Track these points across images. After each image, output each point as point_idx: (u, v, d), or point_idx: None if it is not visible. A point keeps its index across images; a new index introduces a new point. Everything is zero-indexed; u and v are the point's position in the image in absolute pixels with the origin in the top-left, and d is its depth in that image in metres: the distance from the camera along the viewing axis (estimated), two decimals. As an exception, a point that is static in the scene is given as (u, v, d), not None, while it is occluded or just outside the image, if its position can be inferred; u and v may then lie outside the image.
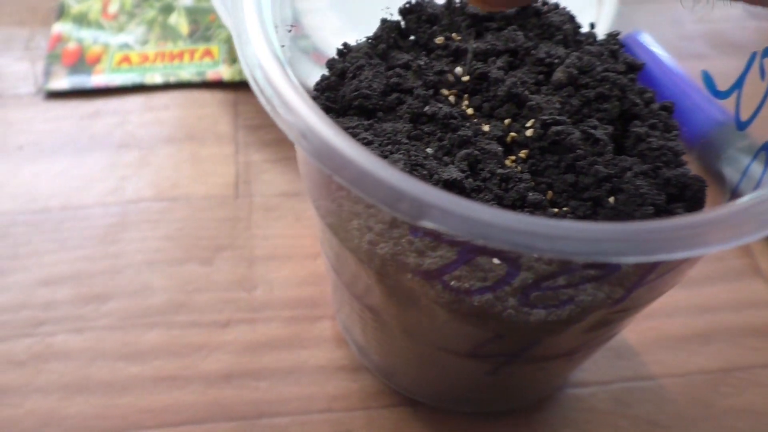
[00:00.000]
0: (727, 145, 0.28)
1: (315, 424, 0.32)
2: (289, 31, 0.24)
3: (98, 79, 0.44)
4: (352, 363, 0.34)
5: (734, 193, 0.25)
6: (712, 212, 0.16)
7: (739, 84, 0.25)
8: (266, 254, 0.38)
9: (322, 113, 0.18)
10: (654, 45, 0.36)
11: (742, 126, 0.25)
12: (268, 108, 0.18)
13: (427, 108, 0.26)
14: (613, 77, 0.28)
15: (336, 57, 0.28)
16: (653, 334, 0.36)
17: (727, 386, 0.35)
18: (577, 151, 0.25)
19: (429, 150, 0.25)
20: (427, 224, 0.16)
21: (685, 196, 0.25)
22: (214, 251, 0.38)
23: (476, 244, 0.16)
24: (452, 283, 0.20)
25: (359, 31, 0.30)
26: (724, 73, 0.30)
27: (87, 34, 0.46)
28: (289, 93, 0.18)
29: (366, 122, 0.26)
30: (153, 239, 0.38)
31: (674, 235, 0.16)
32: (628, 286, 0.20)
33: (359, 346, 0.33)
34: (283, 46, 0.22)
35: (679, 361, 0.36)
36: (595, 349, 0.28)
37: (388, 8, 0.29)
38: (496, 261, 0.19)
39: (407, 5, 0.29)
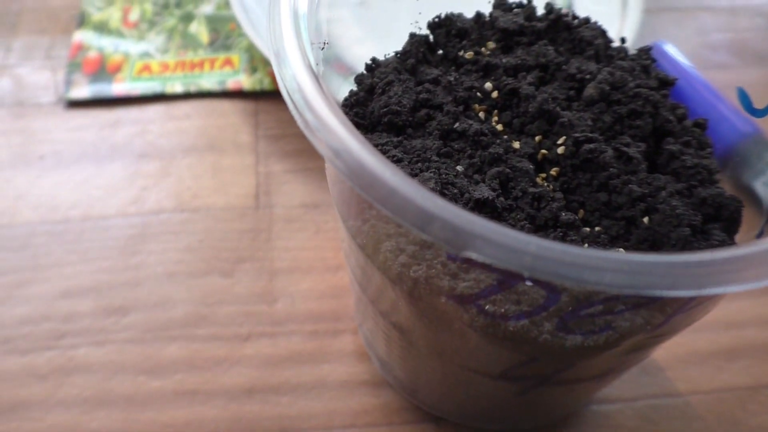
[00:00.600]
0: (757, 158, 0.28)
1: (338, 441, 0.32)
2: (322, 48, 0.24)
3: (119, 87, 0.44)
4: (374, 378, 0.34)
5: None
6: (761, 244, 0.16)
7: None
8: (287, 266, 0.38)
9: (363, 138, 0.17)
10: (678, 55, 0.35)
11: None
12: (310, 138, 0.18)
13: (457, 125, 0.26)
14: (646, 93, 0.27)
15: (364, 72, 0.28)
16: (679, 350, 0.36)
17: (755, 404, 0.34)
18: (610, 169, 0.25)
19: (459, 168, 0.25)
20: (472, 255, 0.15)
21: (722, 216, 0.24)
22: (234, 263, 0.38)
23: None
24: (487, 307, 0.20)
25: (380, 40, 0.29)
26: (760, 87, 0.30)
27: (108, 43, 0.46)
28: (330, 120, 0.18)
29: (395, 139, 0.26)
30: (174, 251, 0.38)
31: (725, 268, 0.15)
32: (669, 312, 0.20)
33: (382, 361, 0.32)
34: (317, 64, 0.22)
35: (706, 378, 0.35)
36: (626, 371, 0.27)
37: (416, 22, 0.29)
38: (532, 285, 0.19)
39: (436, 19, 0.29)
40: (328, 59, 0.43)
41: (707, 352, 0.36)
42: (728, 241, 0.23)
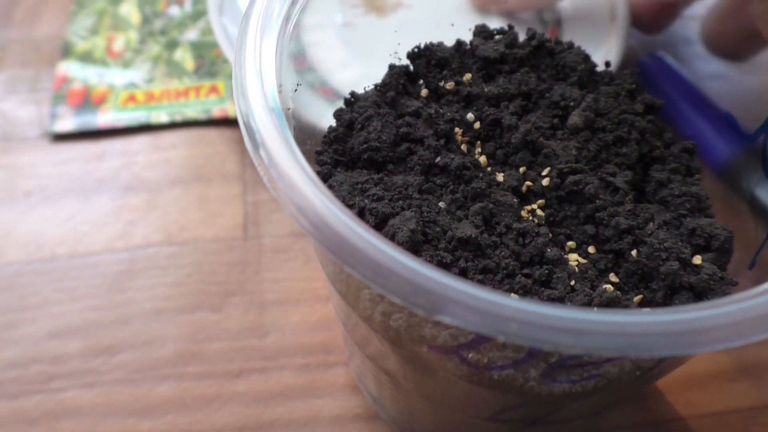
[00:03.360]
0: (755, 167, 0.27)
1: (332, 478, 0.32)
2: (295, 90, 0.23)
3: (104, 119, 0.43)
4: (367, 411, 0.33)
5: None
6: (748, 300, 0.15)
7: (766, 127, 0.24)
8: (277, 298, 0.37)
9: (331, 196, 0.17)
10: (674, 65, 0.35)
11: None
12: (276, 198, 0.17)
13: (438, 159, 0.25)
14: (631, 119, 0.27)
15: (343, 107, 0.27)
16: (679, 373, 0.35)
17: (758, 426, 0.34)
18: (596, 201, 0.24)
19: (442, 204, 0.25)
20: (445, 319, 0.15)
21: (712, 247, 0.24)
22: (224, 297, 0.37)
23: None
24: (470, 356, 0.19)
25: (366, 62, 0.29)
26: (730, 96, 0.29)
27: (92, 73, 0.46)
28: (298, 182, 0.17)
29: (376, 176, 0.25)
30: (162, 286, 0.37)
31: (709, 326, 0.14)
32: (658, 359, 0.19)
33: (374, 397, 0.32)
34: (288, 109, 0.21)
35: (707, 401, 0.34)
36: (621, 407, 0.27)
37: (396, 53, 0.29)
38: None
39: (415, 50, 0.28)
40: (313, 84, 0.43)
41: (708, 373, 0.35)
42: (718, 274, 0.22)
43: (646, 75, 0.36)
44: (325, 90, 0.41)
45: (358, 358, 0.28)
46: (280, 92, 0.21)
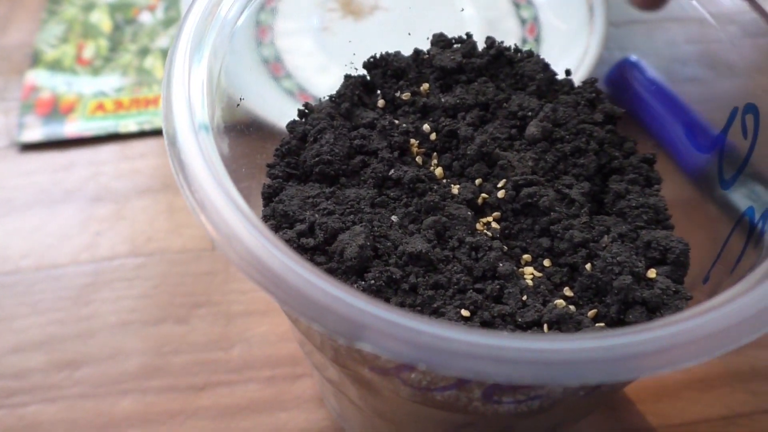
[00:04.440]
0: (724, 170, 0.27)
1: (296, 494, 0.31)
2: (238, 105, 0.23)
3: (72, 127, 0.43)
4: (333, 424, 0.33)
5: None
6: (678, 326, 0.15)
7: (720, 141, 0.24)
8: (244, 310, 0.37)
9: (253, 218, 0.16)
10: (648, 70, 0.34)
11: (725, 185, 0.23)
12: (195, 214, 0.17)
13: (392, 172, 0.25)
14: (590, 129, 0.26)
15: (297, 119, 0.27)
16: (650, 383, 0.35)
17: (729, 436, 0.33)
18: (552, 214, 0.24)
19: (394, 218, 0.24)
20: (364, 346, 0.14)
21: (668, 260, 0.23)
22: (190, 308, 0.37)
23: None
24: (413, 377, 0.19)
25: (345, 66, 0.28)
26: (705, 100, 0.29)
27: (61, 81, 0.45)
28: (218, 202, 0.16)
29: (328, 190, 0.25)
30: (128, 298, 0.37)
31: (640, 353, 0.14)
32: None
33: (337, 413, 0.31)
34: (227, 125, 0.21)
35: (679, 411, 0.34)
36: (579, 421, 0.26)
37: (351, 63, 0.28)
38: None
39: (371, 59, 0.28)
40: (291, 91, 0.42)
41: (679, 383, 0.35)
42: (672, 288, 0.22)
43: (621, 79, 0.35)
44: (305, 97, 0.41)
45: (317, 377, 0.27)
46: (222, 108, 0.20)
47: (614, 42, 0.43)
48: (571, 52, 0.39)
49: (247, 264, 0.15)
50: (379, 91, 0.28)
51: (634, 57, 0.36)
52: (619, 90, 0.33)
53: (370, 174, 0.25)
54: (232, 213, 0.16)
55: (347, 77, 0.28)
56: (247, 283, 0.38)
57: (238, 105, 0.23)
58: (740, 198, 0.22)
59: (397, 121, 0.26)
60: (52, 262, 0.38)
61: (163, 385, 0.34)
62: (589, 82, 0.28)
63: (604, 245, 0.23)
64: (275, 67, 0.42)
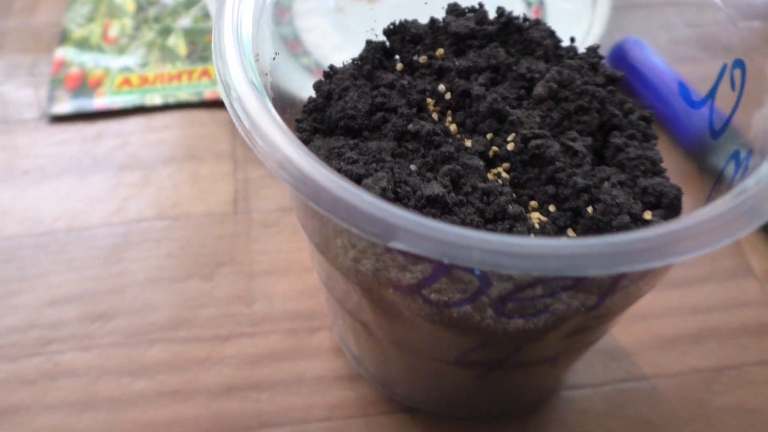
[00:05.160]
0: (722, 149, 0.29)
1: (315, 433, 0.33)
2: (274, 59, 0.25)
3: (100, 101, 0.45)
4: (349, 372, 0.35)
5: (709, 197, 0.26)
6: (662, 227, 0.17)
7: (711, 94, 0.26)
8: (265, 269, 0.39)
9: (298, 142, 0.19)
10: (648, 50, 0.36)
11: (715, 135, 0.25)
12: (247, 140, 0.19)
13: (410, 126, 0.27)
14: (592, 90, 0.29)
15: (322, 79, 0.29)
16: (646, 336, 0.37)
17: (720, 384, 0.35)
18: (557, 163, 0.26)
19: (413, 167, 0.26)
20: (397, 245, 0.16)
21: (662, 204, 0.25)
22: (214, 267, 0.39)
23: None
24: (432, 296, 0.21)
25: (359, 46, 0.31)
26: (702, 80, 0.31)
27: (89, 58, 0.48)
28: (266, 125, 0.19)
29: (352, 141, 0.27)
30: (155, 258, 0.39)
31: (627, 249, 0.16)
32: (601, 293, 0.21)
33: (355, 356, 0.33)
34: (266, 74, 0.23)
35: (672, 362, 0.36)
36: (579, 354, 0.28)
37: (372, 29, 0.30)
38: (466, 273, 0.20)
39: (391, 26, 0.30)
40: (309, 67, 0.45)
41: (673, 336, 0.37)
42: (666, 227, 0.24)
43: (624, 58, 0.38)
44: (320, 72, 0.43)
45: (339, 316, 0.30)
46: (257, 60, 0.23)
47: (614, 25, 0.45)
48: (574, 34, 0.42)
49: (297, 181, 0.18)
50: (397, 56, 0.30)
51: (634, 39, 0.38)
52: (620, 67, 0.35)
53: (390, 128, 0.27)
54: (284, 140, 0.19)
55: (368, 42, 0.30)
56: (268, 244, 0.40)
57: (274, 59, 0.25)
58: (728, 144, 0.24)
59: (414, 82, 0.29)
60: (83, 224, 0.41)
61: (190, 336, 0.36)
62: (592, 49, 0.30)
63: (605, 190, 0.25)
64: (294, 45, 0.44)
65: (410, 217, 0.17)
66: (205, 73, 0.47)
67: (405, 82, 0.28)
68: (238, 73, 0.20)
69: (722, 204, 0.18)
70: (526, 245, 0.16)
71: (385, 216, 0.17)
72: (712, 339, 0.37)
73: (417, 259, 0.21)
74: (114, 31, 0.50)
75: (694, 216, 0.18)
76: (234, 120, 0.19)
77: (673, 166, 0.29)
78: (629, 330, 0.37)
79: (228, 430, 0.33)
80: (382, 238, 0.17)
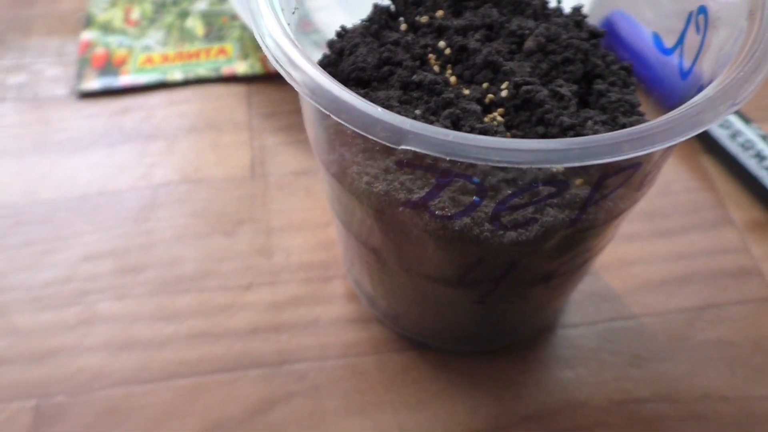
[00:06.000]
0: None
1: (332, 368, 0.37)
2: (293, 13, 0.28)
3: (125, 79, 0.49)
4: (362, 316, 0.39)
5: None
6: (622, 132, 0.21)
7: (680, 40, 0.29)
8: (282, 225, 0.42)
9: (322, 70, 0.22)
10: (636, 21, 0.40)
11: (684, 75, 0.29)
12: (279, 69, 0.22)
13: (414, 76, 0.30)
14: (577, 43, 0.32)
15: (335, 38, 0.32)
16: (635, 281, 0.40)
17: (703, 322, 0.39)
18: (545, 106, 0.29)
19: (417, 111, 0.30)
20: (406, 147, 0.20)
21: (639, 139, 0.29)
22: (235, 225, 0.42)
23: (445, 168, 0.20)
24: (437, 211, 0.24)
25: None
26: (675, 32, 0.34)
27: (113, 40, 0.51)
28: (295, 55, 0.22)
29: (362, 91, 0.30)
30: (181, 217, 0.42)
31: (597, 144, 0.20)
32: (581, 207, 0.24)
33: (367, 295, 0.37)
34: (288, 24, 0.26)
35: (659, 302, 0.39)
36: (569, 278, 0.32)
37: (379, -2, 0.34)
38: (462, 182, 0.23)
39: (395, -9, 0.34)
40: (319, 43, 0.48)
41: (660, 280, 0.40)
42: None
43: (612, 29, 0.41)
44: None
45: (354, 252, 0.33)
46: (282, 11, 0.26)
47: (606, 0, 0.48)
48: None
49: (320, 97, 0.21)
50: (401, 18, 0.33)
51: (622, 11, 0.41)
52: (607, 38, 0.38)
53: (396, 79, 0.31)
54: (308, 65, 0.22)
55: (375, 5, 0.33)
56: (284, 204, 0.43)
57: (294, 13, 0.28)
58: (695, 81, 0.27)
59: (417, 40, 0.32)
60: (113, 188, 0.44)
61: (215, 285, 0.40)
62: (576, 9, 0.33)
63: (587, 128, 0.29)
64: (304, 24, 0.48)
65: (417, 124, 0.20)
66: (222, 51, 0.50)
67: (409, 39, 0.32)
68: (269, 16, 0.24)
69: (673, 114, 0.21)
70: (514, 143, 0.20)
71: (396, 122, 0.20)
72: (696, 282, 0.40)
73: (423, 171, 0.24)
74: (135, 14, 0.53)
75: (647, 124, 0.21)
76: (266, 53, 0.23)
77: (650, 109, 0.32)
78: (619, 275, 0.40)
79: (252, 366, 0.37)
80: (393, 141, 0.20)
